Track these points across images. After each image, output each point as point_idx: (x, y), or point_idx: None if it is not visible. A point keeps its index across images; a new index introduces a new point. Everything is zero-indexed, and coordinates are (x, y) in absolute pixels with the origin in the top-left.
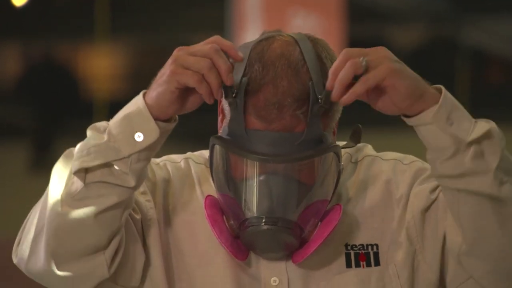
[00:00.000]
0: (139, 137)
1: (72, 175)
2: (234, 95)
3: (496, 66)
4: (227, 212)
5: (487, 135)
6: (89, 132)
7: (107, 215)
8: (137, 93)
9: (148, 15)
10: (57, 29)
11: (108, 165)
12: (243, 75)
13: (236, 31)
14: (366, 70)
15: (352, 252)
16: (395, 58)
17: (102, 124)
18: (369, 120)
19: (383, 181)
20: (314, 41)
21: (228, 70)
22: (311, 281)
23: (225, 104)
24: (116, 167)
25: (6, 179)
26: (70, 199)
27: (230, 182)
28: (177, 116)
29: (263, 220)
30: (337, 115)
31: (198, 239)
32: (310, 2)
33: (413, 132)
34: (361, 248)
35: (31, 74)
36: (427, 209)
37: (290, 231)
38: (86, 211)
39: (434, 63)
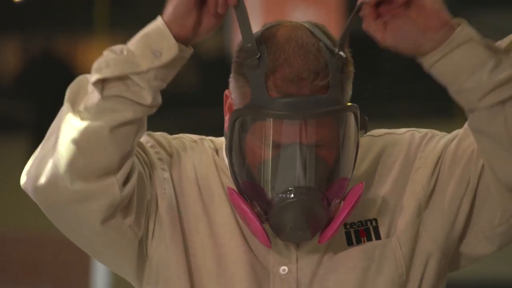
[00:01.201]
0: (158, 52)
1: (90, 89)
2: (258, 56)
3: None
4: (251, 198)
5: None
6: (105, 52)
7: (121, 130)
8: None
9: (147, 9)
10: (57, 24)
11: (125, 79)
12: (258, 46)
13: (236, 25)
14: None
15: (351, 230)
16: None
17: (118, 46)
18: (375, 114)
19: (376, 155)
20: (315, 24)
21: None
22: (319, 268)
23: (243, 82)
24: (134, 81)
25: (5, 173)
26: (87, 112)
27: (255, 159)
28: (191, 47)
29: (292, 192)
30: (350, 90)
31: (214, 220)
32: None
33: (415, 124)
34: (360, 225)
35: (31, 68)
36: (435, 181)
37: (319, 201)
38: (102, 124)
39: None
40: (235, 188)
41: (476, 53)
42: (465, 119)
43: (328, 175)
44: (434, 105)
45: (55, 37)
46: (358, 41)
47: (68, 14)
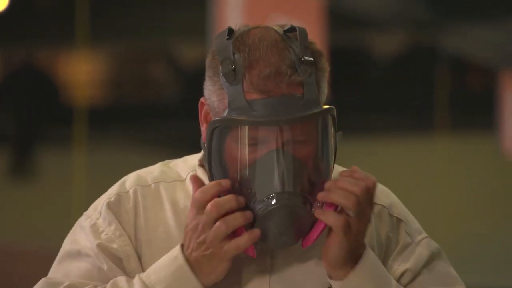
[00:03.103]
0: None
1: None
2: (233, 67)
3: (476, 73)
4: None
5: None
6: None
7: None
8: (118, 99)
9: (128, 21)
10: (38, 35)
11: None
12: (233, 54)
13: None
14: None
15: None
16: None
17: None
18: (355, 127)
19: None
20: (285, 28)
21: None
22: None
23: (219, 85)
24: None
25: None
26: None
27: (236, 167)
28: None
29: (275, 197)
30: (325, 89)
31: None
32: (291, 9)
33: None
34: None
35: (11, 80)
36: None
37: (303, 205)
38: None
39: (414, 69)
40: None
41: None
42: (446, 132)
43: (308, 178)
44: (414, 118)
45: (36, 49)
46: (343, 50)
47: (49, 27)
